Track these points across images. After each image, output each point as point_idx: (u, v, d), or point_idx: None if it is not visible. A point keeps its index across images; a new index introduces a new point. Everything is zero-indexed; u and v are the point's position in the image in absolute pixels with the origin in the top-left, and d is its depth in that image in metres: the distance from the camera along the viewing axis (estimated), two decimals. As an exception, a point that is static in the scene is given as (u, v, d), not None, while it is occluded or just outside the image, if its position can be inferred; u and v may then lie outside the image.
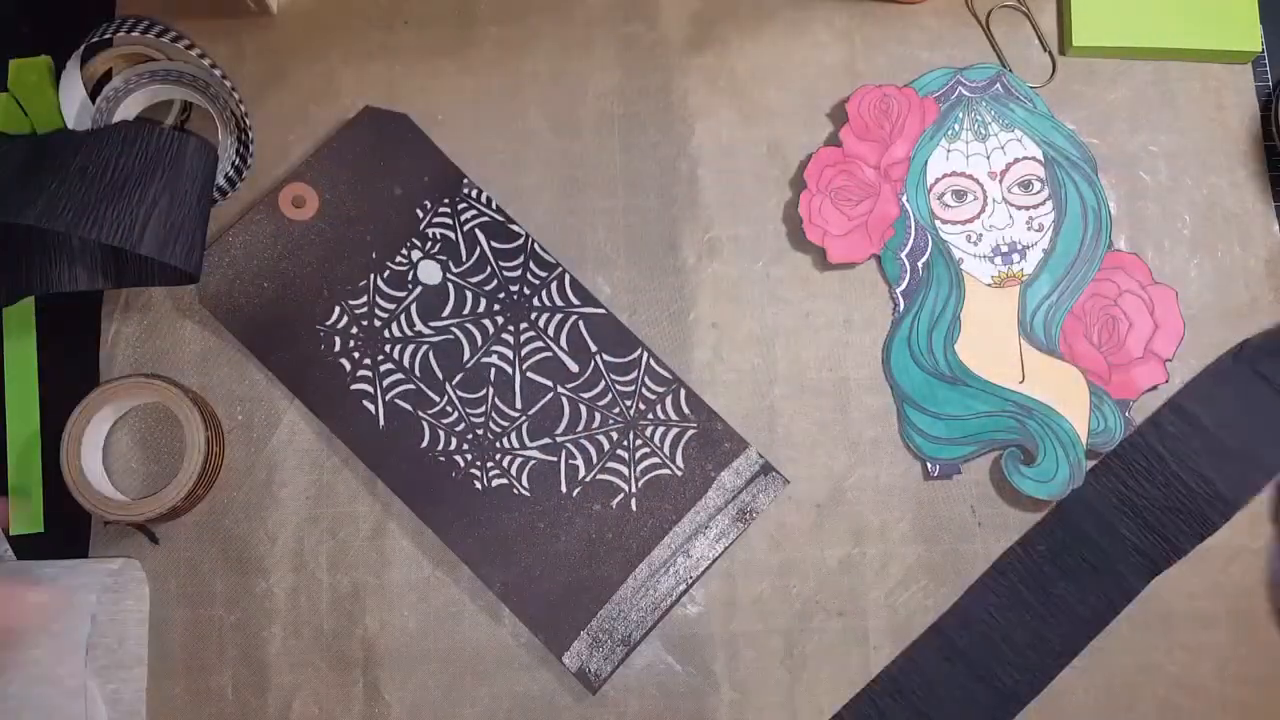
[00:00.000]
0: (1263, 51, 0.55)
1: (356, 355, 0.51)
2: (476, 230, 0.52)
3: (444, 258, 0.51)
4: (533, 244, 0.52)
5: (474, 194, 0.52)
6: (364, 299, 0.51)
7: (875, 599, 0.50)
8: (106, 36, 0.50)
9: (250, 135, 0.51)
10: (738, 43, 0.55)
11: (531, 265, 0.52)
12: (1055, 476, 0.49)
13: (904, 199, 0.52)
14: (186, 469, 0.48)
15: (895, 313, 0.52)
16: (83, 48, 0.50)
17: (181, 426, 0.48)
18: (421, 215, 0.52)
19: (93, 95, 0.51)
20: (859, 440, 0.51)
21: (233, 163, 0.50)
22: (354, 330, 0.51)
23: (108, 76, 0.52)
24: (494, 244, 0.52)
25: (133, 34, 0.50)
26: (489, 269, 0.51)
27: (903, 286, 0.52)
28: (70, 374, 0.51)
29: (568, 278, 0.52)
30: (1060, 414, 0.50)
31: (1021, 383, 0.51)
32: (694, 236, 0.53)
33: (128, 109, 0.51)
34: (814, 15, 0.55)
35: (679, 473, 0.50)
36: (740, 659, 0.49)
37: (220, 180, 0.50)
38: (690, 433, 0.50)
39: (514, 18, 0.55)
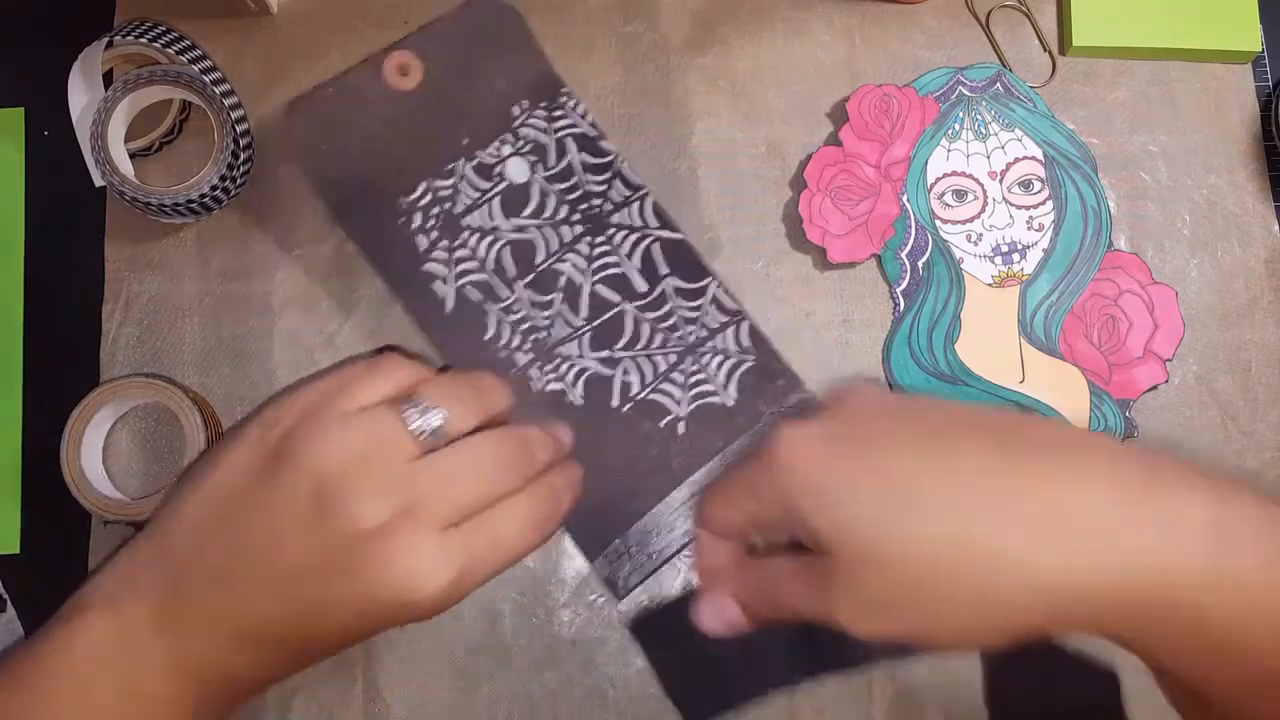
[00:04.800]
0: (1263, 51, 0.55)
1: (434, 236, 0.51)
2: (568, 139, 0.52)
3: (534, 159, 0.52)
4: (621, 163, 0.52)
5: (572, 104, 0.52)
6: (450, 182, 0.51)
7: (875, 599, 0.50)
8: (116, 39, 0.50)
9: (244, 143, 0.51)
10: (738, 43, 0.55)
11: (617, 183, 0.52)
12: (1055, 476, 0.49)
13: (904, 199, 0.52)
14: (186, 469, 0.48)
15: (895, 313, 0.52)
16: (106, 40, 0.50)
17: (181, 426, 0.48)
18: (518, 113, 0.52)
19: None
20: (859, 440, 0.51)
21: (229, 164, 0.50)
22: (435, 210, 0.51)
23: (108, 76, 0.52)
24: (584, 156, 0.52)
25: (140, 39, 0.50)
26: (575, 179, 0.52)
27: (903, 286, 0.52)
28: (70, 374, 0.51)
29: (650, 200, 0.52)
30: (1060, 414, 0.50)
31: (1022, 382, 0.51)
32: (694, 236, 0.53)
33: (128, 109, 0.51)
34: (814, 15, 0.55)
35: (730, 403, 0.50)
36: (740, 659, 0.49)
37: (215, 182, 0.50)
38: (747, 365, 0.50)
39: (514, 17, 0.55)
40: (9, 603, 0.50)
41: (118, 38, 0.50)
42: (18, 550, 0.50)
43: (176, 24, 0.51)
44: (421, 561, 0.35)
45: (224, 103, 0.50)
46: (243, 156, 0.51)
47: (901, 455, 0.34)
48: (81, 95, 0.50)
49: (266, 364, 0.52)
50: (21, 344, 0.52)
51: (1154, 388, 0.51)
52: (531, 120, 0.52)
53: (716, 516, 0.38)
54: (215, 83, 0.50)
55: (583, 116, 0.52)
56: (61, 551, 0.50)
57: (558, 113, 0.52)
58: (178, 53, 0.50)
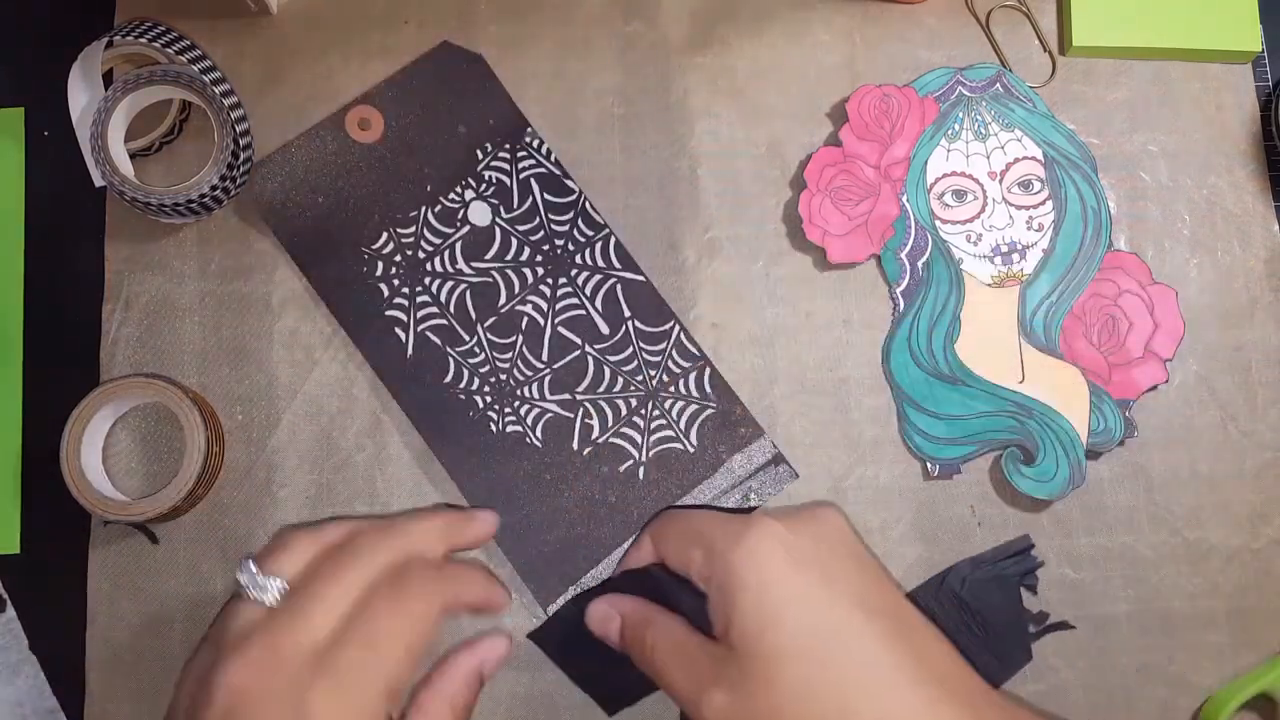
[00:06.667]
0: (1263, 51, 0.55)
1: (395, 283, 0.51)
2: (532, 180, 0.52)
3: (496, 201, 0.52)
4: (585, 203, 0.52)
5: (535, 144, 0.53)
6: (412, 229, 0.52)
7: (875, 599, 0.50)
8: (116, 39, 0.50)
9: (244, 143, 0.51)
10: (738, 43, 0.55)
11: (580, 223, 0.52)
12: (1055, 476, 0.49)
13: (904, 199, 0.52)
14: (186, 469, 0.48)
15: (895, 313, 0.52)
16: (106, 40, 0.50)
17: (181, 426, 0.48)
18: (481, 156, 0.52)
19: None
20: (859, 440, 0.51)
21: (229, 164, 0.50)
22: (397, 258, 0.51)
23: (108, 76, 0.52)
24: (547, 196, 0.52)
25: (140, 39, 0.50)
26: (538, 219, 0.52)
27: (902, 286, 0.52)
28: (70, 374, 0.51)
29: (613, 240, 0.52)
30: (1060, 414, 0.50)
31: (1021, 382, 0.51)
32: (694, 236, 0.53)
33: (128, 109, 0.51)
34: (814, 15, 0.55)
35: (690, 449, 0.50)
36: (740, 659, 0.49)
37: (215, 182, 0.50)
38: (708, 412, 0.50)
39: (514, 18, 0.55)
40: (9, 603, 0.50)
41: (118, 38, 0.50)
42: (18, 550, 0.50)
43: (176, 24, 0.51)
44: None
45: (224, 103, 0.50)
46: (243, 156, 0.51)
47: (840, 607, 0.39)
48: (81, 95, 0.50)
49: (266, 364, 0.52)
50: (21, 344, 0.52)
51: (1154, 388, 0.51)
52: (495, 162, 0.52)
53: (667, 540, 0.44)
54: (215, 83, 0.50)
55: (546, 156, 0.52)
56: (61, 551, 0.50)
57: (521, 153, 0.52)
58: (178, 53, 0.50)
